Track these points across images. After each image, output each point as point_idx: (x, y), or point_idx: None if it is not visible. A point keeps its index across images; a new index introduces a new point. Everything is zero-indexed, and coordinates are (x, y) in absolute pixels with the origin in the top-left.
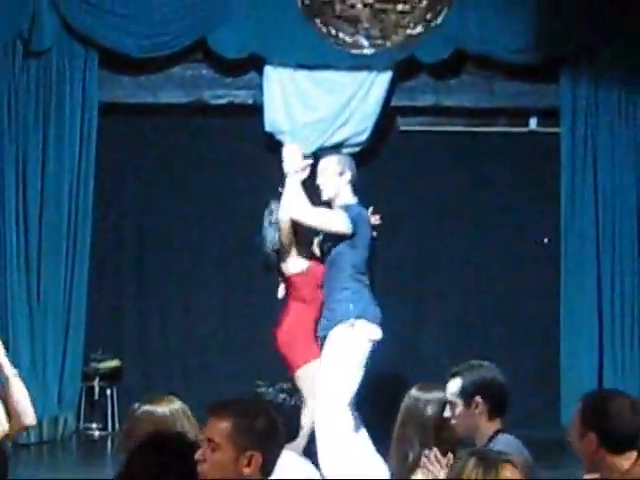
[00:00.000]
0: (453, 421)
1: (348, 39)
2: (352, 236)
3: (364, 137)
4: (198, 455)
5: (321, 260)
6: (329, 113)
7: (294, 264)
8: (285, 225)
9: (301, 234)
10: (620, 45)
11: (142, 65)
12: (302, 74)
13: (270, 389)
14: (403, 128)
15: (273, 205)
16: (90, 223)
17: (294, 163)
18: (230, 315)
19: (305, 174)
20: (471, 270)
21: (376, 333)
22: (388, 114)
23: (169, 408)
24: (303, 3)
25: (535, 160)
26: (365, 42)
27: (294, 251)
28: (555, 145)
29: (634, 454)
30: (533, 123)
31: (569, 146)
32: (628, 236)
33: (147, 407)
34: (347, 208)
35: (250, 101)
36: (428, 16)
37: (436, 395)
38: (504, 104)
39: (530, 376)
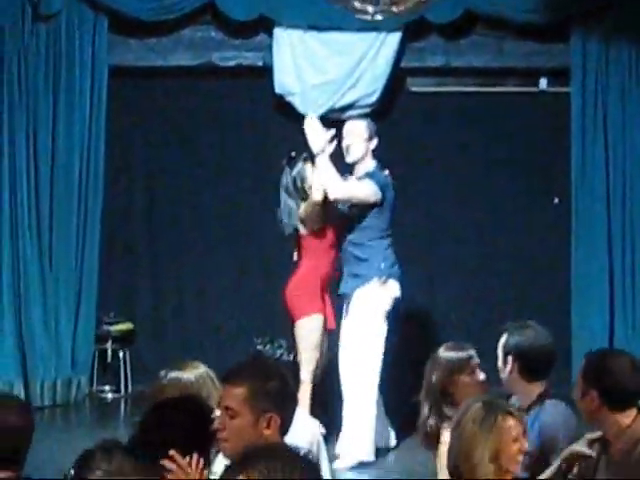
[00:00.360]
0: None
1: (358, 5)
2: (381, 202)
3: (374, 98)
4: (217, 425)
5: (334, 221)
6: (339, 75)
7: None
8: (317, 201)
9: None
10: (630, 4)
11: (151, 28)
12: (312, 36)
13: (268, 346)
14: (413, 89)
15: (287, 177)
16: (101, 186)
17: (318, 140)
18: (243, 274)
19: (332, 147)
20: (481, 231)
21: (398, 290)
22: (398, 75)
23: (194, 374)
24: None
25: (545, 120)
26: (374, 9)
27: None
28: (565, 105)
29: (634, 411)
30: (543, 83)
31: (579, 106)
32: (638, 195)
33: (174, 374)
34: (372, 175)
35: (260, 63)
36: None
37: (449, 355)
38: (514, 64)
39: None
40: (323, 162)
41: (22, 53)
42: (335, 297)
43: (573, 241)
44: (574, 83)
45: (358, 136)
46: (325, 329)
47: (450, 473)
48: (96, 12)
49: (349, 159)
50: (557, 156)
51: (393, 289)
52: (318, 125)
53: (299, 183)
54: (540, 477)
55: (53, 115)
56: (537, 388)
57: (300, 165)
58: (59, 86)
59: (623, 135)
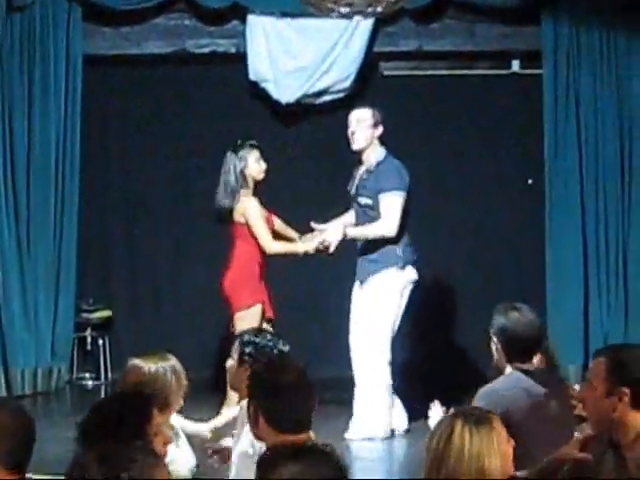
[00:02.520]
0: None
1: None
2: None
3: (348, 83)
4: None
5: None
6: (312, 60)
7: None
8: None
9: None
10: None
11: (125, 16)
12: (285, 22)
13: (268, 339)
14: (386, 73)
15: (231, 162)
16: (78, 174)
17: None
18: (221, 262)
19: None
20: (454, 213)
21: (415, 275)
22: (371, 60)
23: (157, 365)
24: None
25: (518, 102)
26: (346, 10)
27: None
28: (538, 86)
29: None
30: (515, 65)
31: (551, 87)
32: (612, 176)
33: (136, 361)
34: (383, 163)
35: (233, 50)
36: None
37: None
38: (486, 47)
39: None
40: (355, 232)
41: None
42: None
43: (547, 221)
44: (546, 65)
45: (362, 123)
46: (264, 318)
47: None
48: (70, 1)
49: (355, 146)
50: (530, 137)
51: (410, 274)
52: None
53: (240, 167)
54: (519, 473)
55: (28, 105)
56: (511, 368)
57: (245, 150)
58: (34, 75)
59: (595, 116)
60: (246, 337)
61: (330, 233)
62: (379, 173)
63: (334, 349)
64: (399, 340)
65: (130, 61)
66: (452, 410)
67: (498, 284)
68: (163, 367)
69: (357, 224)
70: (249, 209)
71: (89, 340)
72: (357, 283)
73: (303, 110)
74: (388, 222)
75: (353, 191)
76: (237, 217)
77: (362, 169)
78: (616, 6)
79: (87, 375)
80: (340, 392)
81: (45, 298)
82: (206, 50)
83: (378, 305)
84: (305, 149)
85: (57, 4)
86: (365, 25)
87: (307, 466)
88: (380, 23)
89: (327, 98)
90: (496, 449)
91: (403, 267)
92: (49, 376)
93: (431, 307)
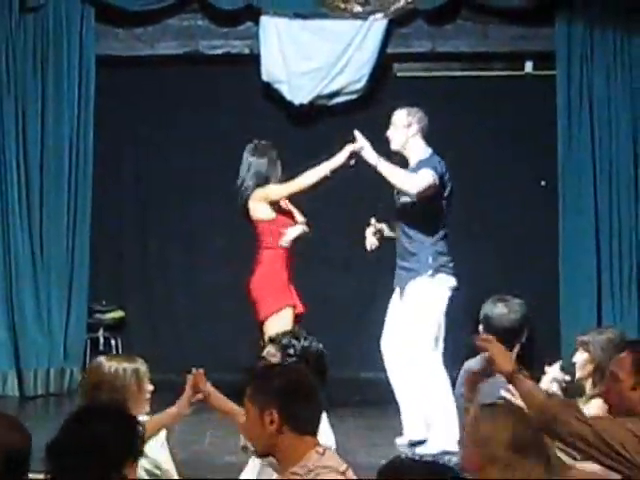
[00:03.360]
0: None
1: (342, 5)
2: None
3: (361, 84)
4: None
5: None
6: (326, 62)
7: (263, 211)
8: (302, 188)
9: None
10: None
11: (138, 17)
12: (298, 23)
13: (306, 339)
14: (399, 74)
15: (251, 157)
16: (91, 175)
17: (370, 152)
18: (234, 261)
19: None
20: (468, 215)
21: (453, 282)
22: (384, 61)
23: (120, 365)
24: None
25: (531, 103)
26: (359, 9)
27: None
28: (551, 88)
29: None
30: (529, 66)
31: (565, 88)
32: (625, 177)
33: (100, 359)
34: (426, 163)
35: (247, 51)
36: None
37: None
38: (500, 48)
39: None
40: (384, 168)
41: (10, 44)
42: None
43: (560, 222)
44: (559, 66)
45: (398, 125)
46: (295, 318)
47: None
48: (83, 3)
49: (392, 146)
50: (543, 139)
51: (445, 282)
52: (363, 141)
53: (258, 167)
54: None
55: (42, 106)
56: None
57: (264, 150)
58: (47, 77)
59: (609, 117)
60: (285, 340)
61: (361, 143)
62: (418, 168)
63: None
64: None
65: (143, 62)
66: None
67: (511, 285)
68: (124, 368)
69: (396, 225)
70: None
71: (102, 341)
72: (397, 290)
73: (316, 111)
74: (415, 180)
75: (395, 191)
76: (254, 215)
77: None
78: (630, 7)
79: None
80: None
81: (58, 299)
82: (219, 51)
83: (415, 313)
84: (318, 150)
85: (70, 5)
86: (378, 26)
87: None
88: (393, 24)
89: (340, 99)
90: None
91: (433, 275)
92: (62, 377)
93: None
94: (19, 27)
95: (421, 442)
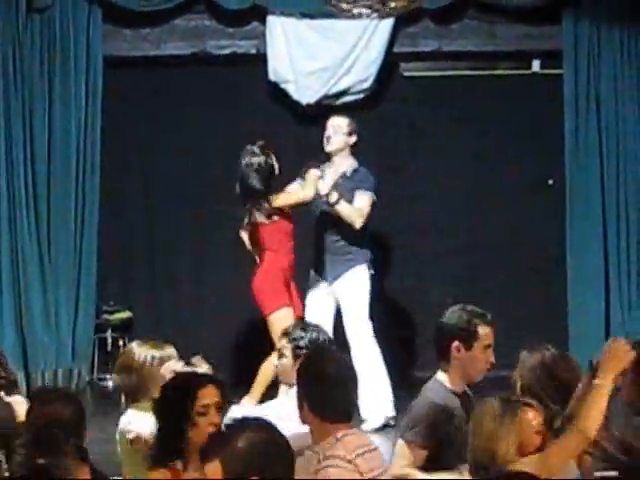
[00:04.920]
0: None
1: (345, 6)
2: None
3: (368, 84)
4: None
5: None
6: (332, 61)
7: (267, 214)
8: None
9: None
10: None
11: (145, 18)
12: (305, 23)
13: (315, 331)
14: (406, 74)
15: (253, 158)
16: (98, 177)
17: (323, 185)
18: (241, 263)
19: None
20: (476, 213)
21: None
22: (391, 61)
23: (147, 352)
24: None
25: (539, 102)
26: (365, 11)
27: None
28: (558, 86)
29: None
30: (536, 65)
31: (572, 87)
32: (633, 176)
33: (132, 344)
34: (359, 170)
35: (253, 51)
36: None
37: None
38: (506, 47)
39: (537, 317)
40: (341, 206)
41: (17, 45)
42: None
43: (568, 222)
44: (566, 65)
45: (339, 129)
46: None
47: (472, 472)
48: (90, 3)
49: (328, 148)
50: (551, 138)
51: (370, 271)
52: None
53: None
54: None
55: (49, 106)
56: None
57: (267, 151)
58: (54, 77)
59: (616, 116)
60: (295, 334)
61: (326, 183)
62: (356, 176)
63: None
64: None
65: (150, 62)
66: None
67: (518, 286)
68: (153, 355)
69: (323, 222)
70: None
71: (109, 341)
72: (328, 279)
73: (323, 111)
74: (362, 212)
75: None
76: (259, 219)
77: (335, 174)
78: (636, 5)
79: (107, 376)
80: None
81: (65, 299)
82: (226, 51)
83: (360, 297)
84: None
85: (77, 5)
86: (385, 26)
87: None
88: (400, 24)
89: (347, 99)
90: (514, 437)
91: (369, 267)
92: (69, 377)
93: (444, 307)
94: (26, 28)
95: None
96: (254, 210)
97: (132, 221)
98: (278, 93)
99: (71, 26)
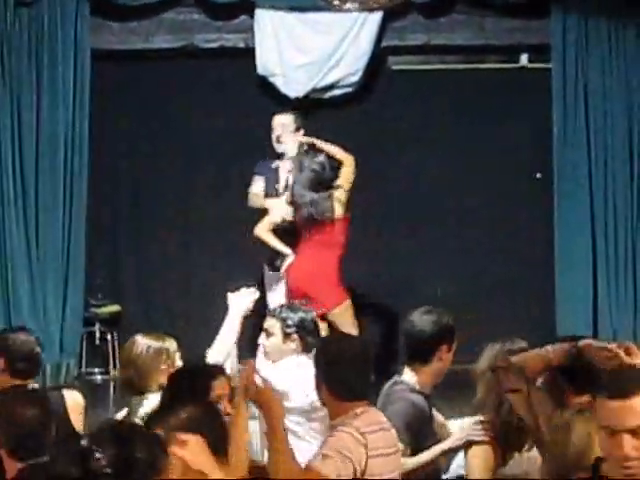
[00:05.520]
0: None
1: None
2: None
3: (356, 77)
4: None
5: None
6: (321, 55)
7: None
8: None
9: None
10: None
11: (133, 11)
12: (293, 16)
13: (302, 309)
14: (395, 67)
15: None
16: (86, 170)
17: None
18: (229, 256)
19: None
20: (464, 207)
21: None
22: (379, 54)
23: (149, 344)
24: None
25: (527, 95)
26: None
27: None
28: (546, 80)
29: None
30: (524, 59)
31: (560, 81)
32: (620, 169)
33: (137, 336)
34: None
35: (242, 44)
36: None
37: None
38: (495, 41)
39: (525, 314)
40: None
41: (5, 38)
42: None
43: (555, 215)
44: (555, 59)
45: (287, 127)
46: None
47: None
48: None
49: (278, 149)
50: (539, 131)
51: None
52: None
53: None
54: None
55: (37, 99)
56: None
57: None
58: (42, 70)
59: (604, 109)
60: (284, 313)
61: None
62: None
63: None
64: None
65: (138, 56)
66: None
67: (507, 278)
68: (152, 347)
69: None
70: None
71: (98, 335)
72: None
73: (312, 104)
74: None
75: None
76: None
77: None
78: None
79: (96, 370)
80: None
81: (54, 293)
82: (215, 45)
83: None
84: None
85: None
86: (374, 19)
87: None
88: (389, 17)
89: (336, 92)
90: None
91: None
92: (58, 371)
93: (433, 300)
94: (14, 21)
95: None
96: (327, 204)
97: (121, 214)
98: (266, 86)
99: (59, 19)
